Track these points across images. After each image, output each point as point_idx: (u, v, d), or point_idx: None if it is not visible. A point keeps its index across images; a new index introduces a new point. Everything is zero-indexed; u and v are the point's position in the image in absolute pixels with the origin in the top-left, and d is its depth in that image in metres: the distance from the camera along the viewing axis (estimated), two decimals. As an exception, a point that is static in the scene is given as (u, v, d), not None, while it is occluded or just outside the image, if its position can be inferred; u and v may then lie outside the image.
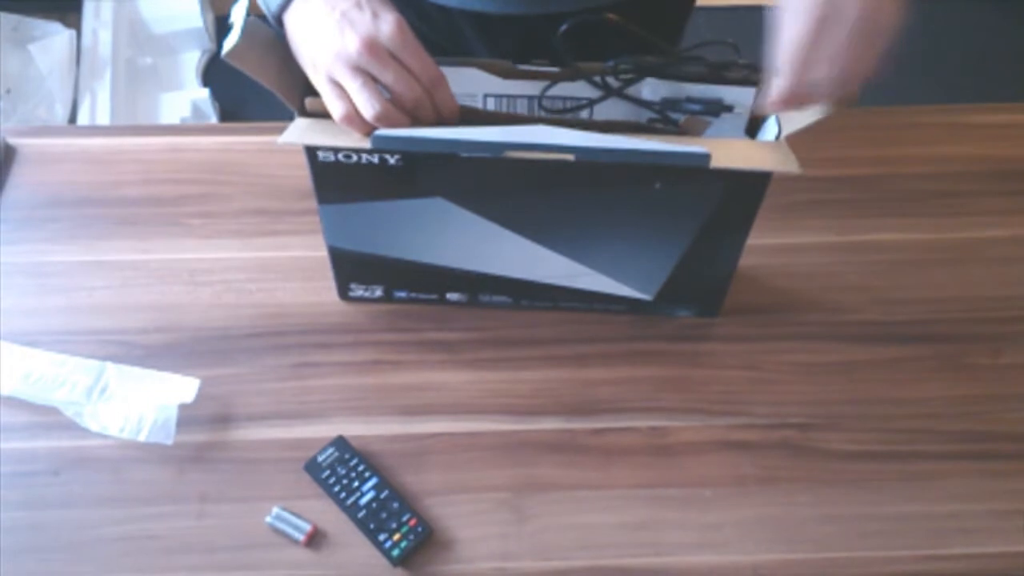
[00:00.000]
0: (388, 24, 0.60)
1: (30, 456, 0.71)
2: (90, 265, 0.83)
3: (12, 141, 0.92)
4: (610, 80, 0.73)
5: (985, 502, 0.70)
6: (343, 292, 0.80)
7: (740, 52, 0.72)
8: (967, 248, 0.86)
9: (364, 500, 0.68)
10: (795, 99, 0.59)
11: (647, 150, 0.62)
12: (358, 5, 0.60)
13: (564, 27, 0.70)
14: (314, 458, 0.70)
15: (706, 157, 0.62)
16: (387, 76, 0.60)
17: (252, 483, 0.70)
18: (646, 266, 0.74)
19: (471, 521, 0.69)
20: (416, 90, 0.61)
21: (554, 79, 0.73)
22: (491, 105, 0.75)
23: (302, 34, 0.62)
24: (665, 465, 0.72)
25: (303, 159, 0.66)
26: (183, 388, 0.72)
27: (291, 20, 0.62)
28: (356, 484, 0.69)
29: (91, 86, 1.80)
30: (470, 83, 0.74)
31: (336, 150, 0.65)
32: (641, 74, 0.73)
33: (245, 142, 0.93)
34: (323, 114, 0.63)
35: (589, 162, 0.63)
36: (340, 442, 0.71)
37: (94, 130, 1.32)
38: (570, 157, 0.63)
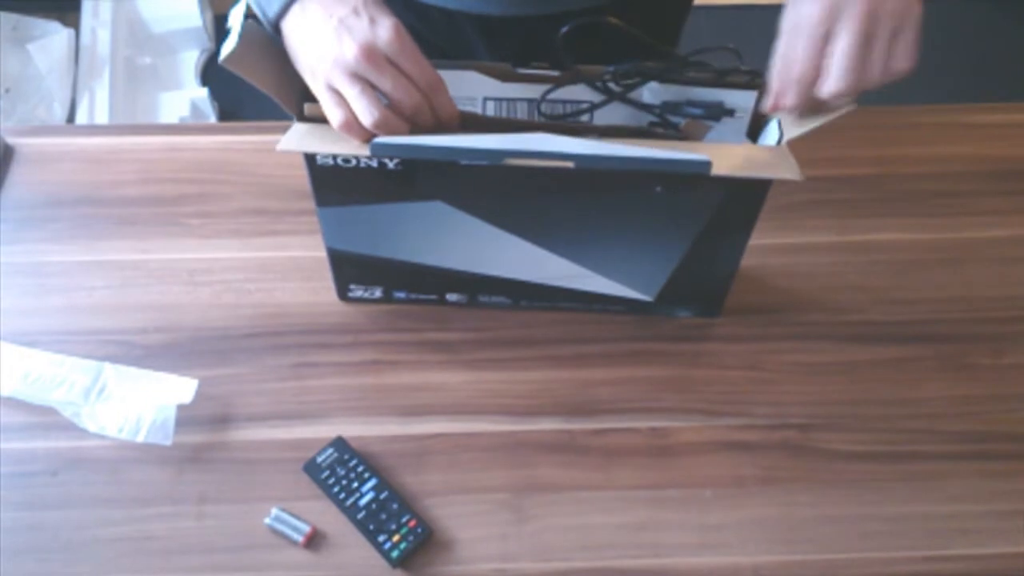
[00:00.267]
0: (386, 30, 0.59)
1: (29, 456, 0.71)
2: (89, 265, 0.83)
3: (11, 141, 0.92)
4: (611, 84, 0.73)
5: (986, 503, 0.70)
6: (342, 293, 0.80)
7: (741, 57, 0.72)
8: (967, 248, 0.86)
9: (363, 501, 0.68)
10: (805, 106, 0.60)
11: (648, 158, 0.62)
12: (355, 11, 0.59)
13: (565, 29, 0.70)
14: (313, 459, 0.70)
15: (707, 165, 0.62)
16: (385, 83, 0.60)
17: (251, 484, 0.70)
18: (647, 268, 0.74)
19: (471, 522, 0.68)
20: (414, 96, 0.61)
21: (554, 83, 0.73)
22: (491, 108, 0.75)
23: (300, 41, 0.61)
24: (665, 466, 0.72)
25: (302, 160, 0.66)
26: (181, 388, 0.72)
27: (289, 28, 0.62)
28: (355, 485, 0.69)
29: (90, 85, 1.80)
30: (470, 86, 0.73)
31: (335, 155, 0.65)
32: (642, 79, 0.73)
33: (244, 142, 0.93)
34: (322, 119, 0.63)
35: (589, 168, 0.63)
36: (339, 443, 0.71)
37: (93, 129, 1.31)
38: (570, 165, 0.63)
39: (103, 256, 0.84)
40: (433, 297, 0.79)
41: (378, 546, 0.66)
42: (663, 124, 0.73)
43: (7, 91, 1.77)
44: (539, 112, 0.74)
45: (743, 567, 0.67)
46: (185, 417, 0.71)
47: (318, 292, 0.81)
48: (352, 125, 0.61)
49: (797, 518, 0.69)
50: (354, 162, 0.65)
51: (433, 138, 0.62)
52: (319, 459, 0.70)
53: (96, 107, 1.77)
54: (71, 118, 1.77)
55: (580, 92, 0.74)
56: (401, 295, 0.79)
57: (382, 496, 0.68)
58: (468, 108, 0.74)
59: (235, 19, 0.62)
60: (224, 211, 0.87)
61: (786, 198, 0.87)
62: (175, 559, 0.66)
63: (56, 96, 1.78)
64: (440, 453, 0.72)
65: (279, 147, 0.62)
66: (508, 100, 0.75)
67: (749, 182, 0.64)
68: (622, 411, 0.75)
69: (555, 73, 0.73)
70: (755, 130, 0.72)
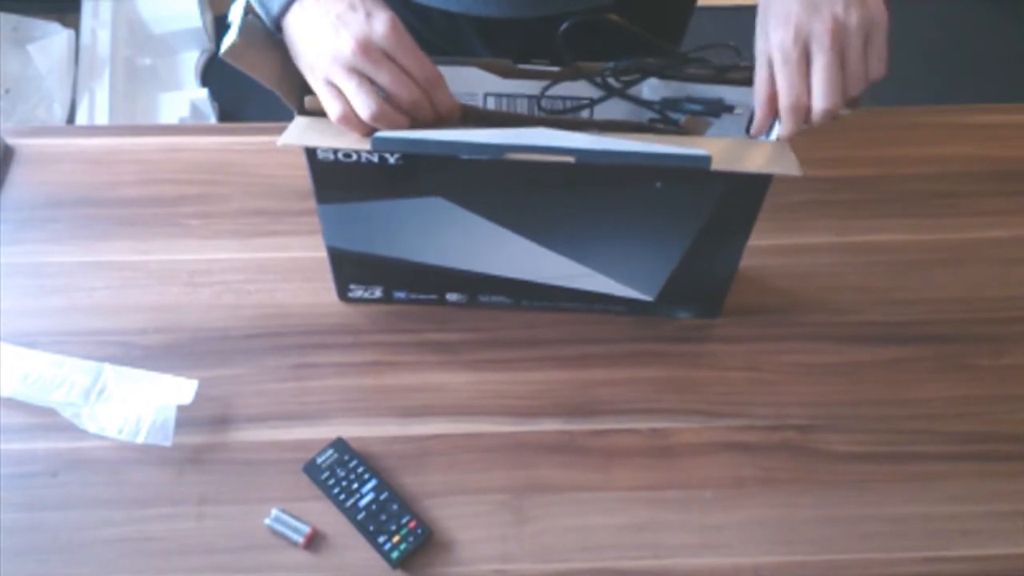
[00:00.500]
0: (382, 24, 0.59)
1: (28, 457, 0.71)
2: (89, 265, 0.83)
3: (11, 141, 0.92)
4: (611, 80, 0.73)
5: (986, 503, 0.70)
6: (342, 293, 0.80)
7: (741, 54, 0.72)
8: (968, 248, 0.86)
9: (363, 502, 0.68)
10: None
11: (648, 152, 0.62)
12: (352, 6, 0.60)
13: (564, 26, 0.70)
14: (313, 460, 0.70)
15: (707, 159, 0.62)
16: (382, 76, 0.60)
17: (251, 485, 0.70)
18: (647, 267, 0.74)
19: (471, 523, 0.68)
20: (412, 90, 0.61)
21: (555, 78, 0.73)
22: (491, 104, 0.75)
23: (300, 39, 0.61)
24: (665, 467, 0.72)
25: (302, 159, 0.66)
26: (181, 389, 0.72)
27: (289, 26, 0.62)
28: (355, 486, 0.69)
29: (90, 86, 1.80)
30: (470, 82, 0.73)
31: (336, 150, 0.65)
32: (642, 75, 0.73)
33: (244, 142, 0.93)
34: (322, 112, 0.63)
35: (590, 163, 0.63)
36: (339, 444, 0.71)
37: (93, 130, 1.31)
38: (571, 159, 0.63)
39: (103, 257, 0.84)
40: (433, 297, 0.79)
41: (378, 547, 0.66)
42: (663, 120, 0.73)
43: (7, 92, 1.77)
44: (539, 108, 0.74)
45: (743, 568, 0.67)
46: (185, 418, 0.71)
47: (318, 293, 0.81)
48: (350, 118, 0.61)
49: (797, 519, 0.69)
50: (355, 157, 0.65)
51: (434, 132, 0.62)
52: (319, 460, 0.70)
53: (96, 108, 1.77)
54: (71, 119, 1.77)
55: (580, 88, 0.74)
56: (401, 295, 0.79)
57: (382, 497, 0.68)
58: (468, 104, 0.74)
59: (235, 13, 0.62)
60: (224, 212, 0.87)
61: (786, 198, 0.87)
62: (175, 560, 0.66)
63: (56, 97, 1.78)
64: (440, 454, 0.72)
65: (280, 142, 0.62)
66: (508, 96, 0.75)
67: (749, 178, 0.64)
68: (622, 412, 0.75)
69: (555, 69, 0.73)
70: None
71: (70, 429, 0.72)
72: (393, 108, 0.61)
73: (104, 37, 1.86)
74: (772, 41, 0.60)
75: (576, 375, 0.77)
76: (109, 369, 0.74)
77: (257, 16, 0.63)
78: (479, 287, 0.77)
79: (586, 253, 0.73)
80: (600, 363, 0.77)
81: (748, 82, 0.71)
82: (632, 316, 0.80)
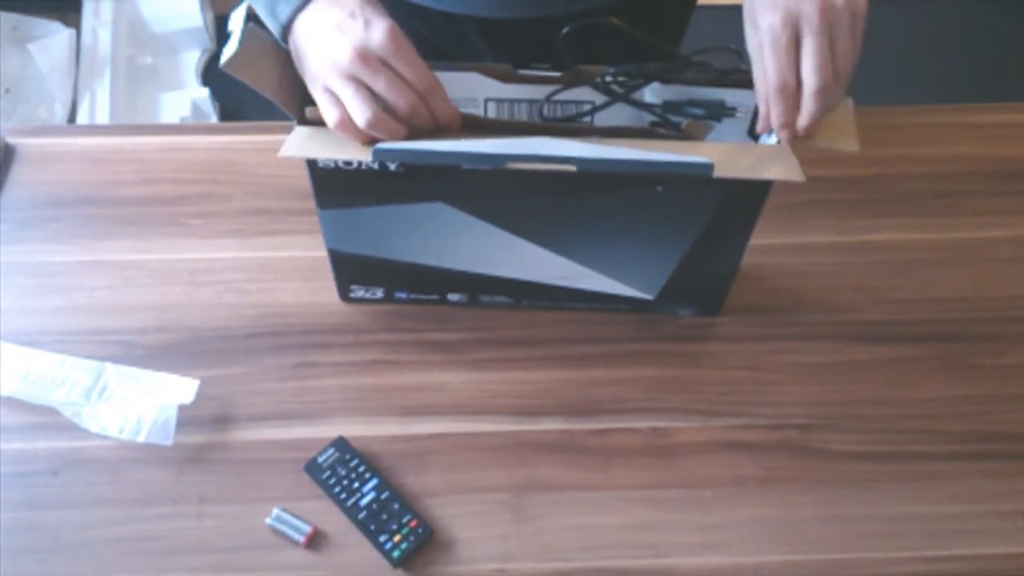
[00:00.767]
0: (379, 31, 0.60)
1: (29, 457, 0.71)
2: (90, 265, 0.83)
3: (12, 141, 0.92)
4: (613, 85, 0.73)
5: (987, 503, 0.70)
6: (343, 293, 0.80)
7: (742, 57, 0.72)
8: (968, 248, 0.86)
9: (364, 501, 0.68)
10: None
11: (650, 160, 0.62)
12: (352, 15, 0.60)
13: (566, 30, 0.70)
14: (314, 459, 0.70)
15: (709, 167, 0.62)
16: (379, 84, 0.60)
17: (252, 484, 0.70)
18: (647, 267, 0.74)
19: (471, 522, 0.68)
20: (409, 97, 0.61)
21: (555, 83, 0.73)
22: (492, 110, 0.75)
23: (305, 47, 0.62)
24: (666, 466, 0.72)
25: (303, 162, 0.66)
26: (182, 388, 0.72)
27: (296, 34, 0.62)
28: (356, 485, 0.69)
29: (91, 85, 1.80)
30: (471, 87, 0.73)
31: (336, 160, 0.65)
32: (644, 80, 0.72)
33: (245, 142, 0.93)
34: (322, 122, 0.63)
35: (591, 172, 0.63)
36: (340, 443, 0.71)
37: (94, 129, 1.32)
38: (572, 168, 0.63)
39: (104, 256, 0.84)
40: (434, 297, 0.79)
41: (379, 546, 0.66)
42: (664, 124, 0.73)
43: (8, 91, 1.78)
44: (541, 114, 0.74)
45: (743, 567, 0.67)
46: (186, 417, 0.71)
47: (319, 292, 0.81)
48: (347, 124, 0.61)
49: (797, 518, 0.69)
50: (355, 164, 0.65)
51: (434, 143, 0.62)
52: (320, 459, 0.70)
53: (97, 107, 1.77)
54: (72, 118, 1.77)
55: (582, 93, 0.74)
56: (402, 295, 0.79)
57: (383, 496, 0.68)
58: (469, 110, 0.74)
59: (235, 23, 0.62)
60: (225, 211, 0.87)
61: (787, 198, 0.87)
62: (175, 559, 0.66)
63: (57, 96, 1.78)
64: (441, 453, 0.72)
65: (281, 154, 0.62)
66: (509, 101, 0.75)
67: (750, 183, 0.64)
68: (623, 411, 0.75)
69: (556, 74, 0.73)
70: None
71: (71, 428, 0.72)
72: (390, 115, 0.61)
73: (105, 36, 1.86)
74: (762, 25, 0.60)
75: (576, 374, 0.77)
76: (110, 368, 0.74)
77: (259, 24, 0.63)
78: (480, 287, 0.78)
79: (587, 254, 0.73)
80: (600, 362, 0.77)
81: (749, 84, 0.71)
82: (633, 315, 0.80)
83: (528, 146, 0.62)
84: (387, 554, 0.66)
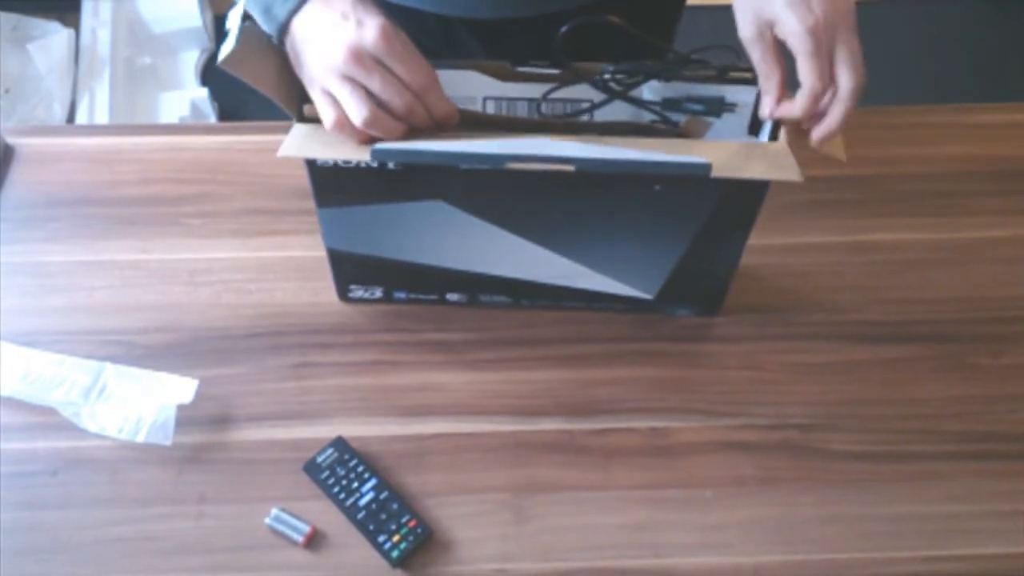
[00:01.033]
0: (372, 31, 0.60)
1: (28, 457, 0.71)
2: (90, 265, 0.83)
3: (11, 141, 0.92)
4: (611, 83, 0.73)
5: (986, 503, 0.70)
6: (342, 293, 0.80)
7: (739, 55, 0.72)
8: (968, 248, 0.86)
9: (363, 501, 0.68)
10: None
11: (648, 161, 0.62)
12: (344, 15, 0.60)
13: (564, 29, 0.70)
14: (313, 459, 0.70)
15: (707, 167, 0.62)
16: (374, 83, 0.60)
17: (251, 484, 0.70)
18: (646, 266, 0.74)
19: (471, 522, 0.68)
20: (405, 96, 0.61)
21: (553, 81, 0.73)
22: (491, 108, 0.75)
23: (301, 50, 0.62)
24: (665, 466, 0.72)
25: (302, 160, 0.66)
26: (182, 388, 0.72)
27: (289, 40, 0.62)
28: (355, 485, 0.69)
29: (90, 85, 1.80)
30: (469, 86, 0.73)
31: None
32: (643, 78, 0.72)
33: (244, 142, 0.93)
34: (320, 120, 0.63)
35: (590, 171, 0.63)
36: (339, 443, 0.71)
37: (93, 129, 1.32)
38: (571, 168, 0.63)
39: (103, 256, 0.84)
40: (433, 297, 0.79)
41: (378, 546, 0.66)
42: (662, 122, 0.73)
43: (7, 91, 1.77)
44: (539, 111, 0.74)
45: (743, 567, 0.67)
46: (185, 417, 0.71)
47: (318, 292, 0.81)
48: (344, 124, 0.61)
49: (797, 518, 0.69)
50: (354, 162, 0.65)
51: (434, 143, 0.62)
52: (319, 459, 0.70)
53: (96, 107, 1.77)
54: (71, 118, 1.77)
55: (580, 91, 0.74)
56: (401, 295, 0.79)
57: (382, 496, 0.68)
58: (468, 108, 0.74)
59: (233, 21, 0.62)
60: (224, 211, 0.87)
61: (786, 198, 0.87)
62: (175, 559, 0.66)
63: (56, 96, 1.78)
64: (440, 453, 0.72)
65: (280, 153, 0.62)
66: (508, 99, 0.75)
67: (749, 183, 0.64)
68: (622, 411, 0.75)
69: (554, 72, 0.73)
70: (756, 125, 0.71)
71: (70, 428, 0.72)
72: (386, 113, 0.61)
73: (104, 36, 1.86)
74: (794, 28, 0.59)
75: (576, 374, 0.77)
76: (109, 368, 0.74)
77: (256, 23, 0.63)
78: (479, 287, 0.77)
79: (586, 254, 0.73)
80: (600, 362, 0.77)
81: (748, 80, 0.71)
82: (632, 315, 0.80)
83: (527, 146, 0.62)
84: (386, 554, 0.66)
